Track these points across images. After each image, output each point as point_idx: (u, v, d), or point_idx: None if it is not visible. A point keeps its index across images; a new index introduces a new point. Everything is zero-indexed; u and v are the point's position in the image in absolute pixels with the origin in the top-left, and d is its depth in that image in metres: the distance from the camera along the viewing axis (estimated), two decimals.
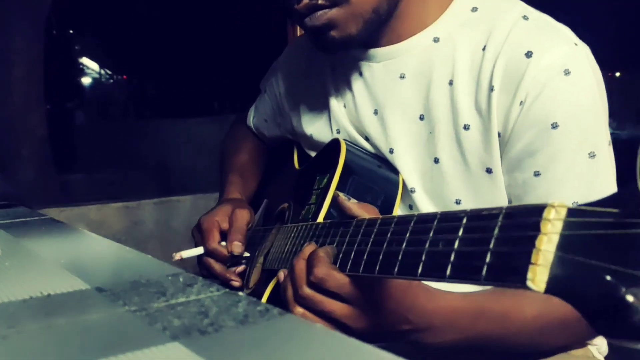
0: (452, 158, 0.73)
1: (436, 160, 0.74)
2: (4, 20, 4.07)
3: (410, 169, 0.77)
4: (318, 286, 0.55)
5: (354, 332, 0.57)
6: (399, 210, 0.79)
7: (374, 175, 0.77)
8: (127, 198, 3.58)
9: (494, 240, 0.34)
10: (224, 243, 0.87)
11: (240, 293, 0.36)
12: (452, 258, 0.38)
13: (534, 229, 0.31)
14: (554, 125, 0.66)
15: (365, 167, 0.78)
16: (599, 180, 0.68)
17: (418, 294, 0.56)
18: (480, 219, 0.37)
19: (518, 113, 0.67)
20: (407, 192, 0.77)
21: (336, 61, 0.85)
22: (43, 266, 0.47)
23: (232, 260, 0.87)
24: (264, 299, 0.75)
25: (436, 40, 0.74)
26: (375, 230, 0.50)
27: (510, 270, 0.32)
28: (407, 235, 0.44)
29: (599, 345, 0.76)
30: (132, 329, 0.31)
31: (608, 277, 0.26)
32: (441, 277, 0.38)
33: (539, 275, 0.30)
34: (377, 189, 0.76)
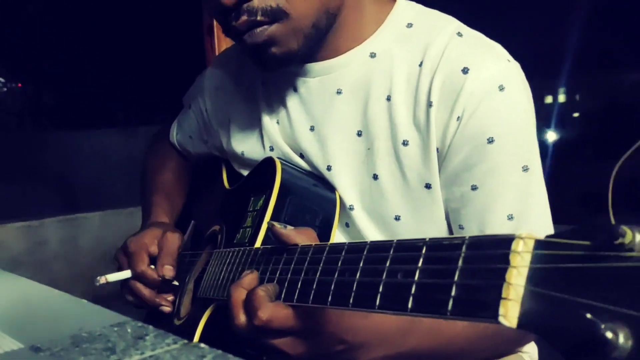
0: (391, 174, 0.73)
1: (375, 177, 0.74)
2: None
3: (348, 186, 0.76)
4: (262, 328, 0.54)
5: (292, 357, 0.56)
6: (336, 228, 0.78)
7: (312, 194, 0.76)
8: (27, 216, 3.35)
9: (459, 272, 0.34)
10: (153, 267, 0.83)
11: (203, 345, 0.33)
12: (413, 290, 0.37)
13: (503, 262, 0.31)
14: (490, 140, 0.67)
15: (302, 187, 0.76)
16: (533, 193, 0.71)
17: (353, 314, 0.57)
18: (441, 248, 0.37)
19: (456, 128, 0.68)
20: (345, 210, 0.77)
21: (268, 76, 0.83)
22: None
23: (161, 285, 0.83)
24: (199, 329, 0.71)
25: (373, 55, 0.74)
26: (323, 258, 0.49)
27: (480, 305, 0.32)
28: (361, 264, 0.44)
29: (531, 353, 0.79)
30: None
31: (586, 314, 0.27)
32: (402, 310, 0.37)
33: (511, 311, 0.30)
34: (316, 208, 0.75)
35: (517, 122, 0.69)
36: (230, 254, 0.71)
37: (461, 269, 0.34)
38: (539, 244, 0.31)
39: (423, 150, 0.71)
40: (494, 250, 0.32)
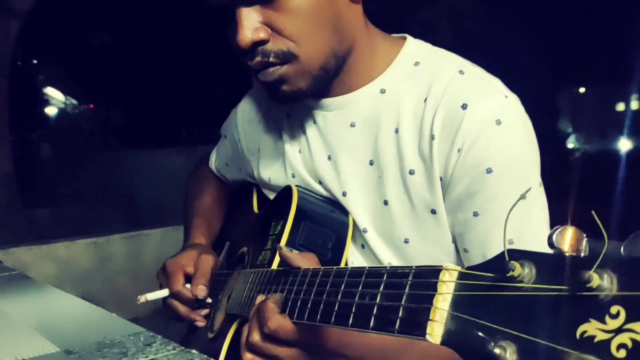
0: (400, 200, 0.80)
1: (385, 203, 0.81)
2: None
3: (361, 210, 0.83)
4: (271, 337, 0.61)
5: None
6: (351, 249, 0.85)
7: (325, 218, 0.84)
8: (95, 233, 3.57)
9: (405, 297, 0.41)
10: (188, 286, 0.92)
11: (194, 351, 0.41)
12: (374, 311, 0.44)
13: (433, 289, 0.38)
14: (489, 170, 0.73)
15: (317, 212, 0.84)
16: (531, 219, 0.75)
17: (352, 333, 0.63)
18: (397, 276, 0.43)
19: (456, 159, 0.74)
20: (360, 233, 0.84)
21: (292, 109, 0.91)
22: (14, 328, 0.52)
23: (196, 303, 0.92)
24: (226, 342, 0.80)
25: (383, 91, 0.82)
26: (317, 281, 0.57)
27: (415, 325, 0.38)
28: (342, 287, 0.51)
29: None
30: None
31: (480, 333, 0.33)
32: (366, 328, 0.44)
33: (435, 330, 0.36)
34: (329, 232, 0.82)
35: (513, 153, 0.74)
36: (252, 274, 0.79)
37: (407, 294, 0.41)
38: (461, 275, 0.37)
39: (428, 179, 0.77)
40: (429, 279, 0.39)
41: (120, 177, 6.44)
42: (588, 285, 0.29)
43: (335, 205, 0.85)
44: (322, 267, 0.59)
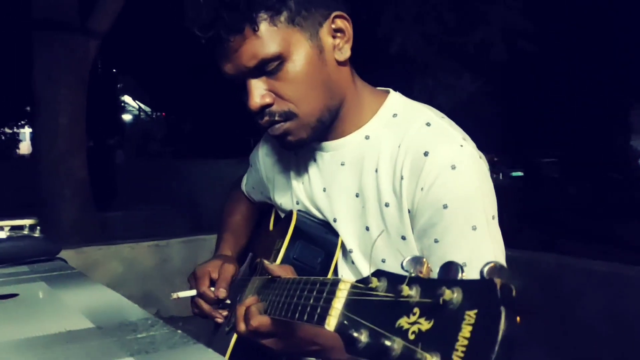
0: (378, 227, 0.97)
1: (367, 228, 0.98)
2: (51, 71, 4.47)
3: (348, 234, 1.01)
4: (254, 332, 0.81)
5: (278, 352, 0.82)
6: (342, 265, 1.03)
7: (318, 238, 1.02)
8: (158, 236, 3.87)
9: (322, 298, 0.59)
10: (212, 288, 1.12)
11: (179, 331, 0.60)
12: (299, 307, 0.62)
13: (333, 294, 0.55)
14: (445, 206, 0.89)
15: (311, 233, 1.02)
16: (480, 247, 0.91)
17: None
18: (321, 284, 0.61)
19: (420, 196, 0.91)
20: (347, 252, 1.01)
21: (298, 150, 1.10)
22: (65, 310, 0.74)
23: (218, 302, 1.11)
24: (234, 337, 0.99)
25: (367, 137, 0.99)
26: (285, 287, 0.75)
27: (320, 317, 0.56)
28: (292, 291, 0.70)
29: None
30: (109, 350, 0.57)
31: (349, 323, 0.50)
32: (292, 319, 0.63)
33: (331, 321, 0.54)
34: (320, 249, 1.00)
35: (465, 193, 0.89)
36: (258, 281, 0.98)
37: (324, 297, 0.59)
38: (352, 286, 0.55)
39: (399, 211, 0.94)
40: (334, 287, 0.56)
41: (185, 185, 6.82)
42: (402, 294, 0.46)
43: (329, 228, 1.03)
44: (288, 277, 0.77)
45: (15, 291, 0.85)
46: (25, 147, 21.13)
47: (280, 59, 0.89)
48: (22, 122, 17.86)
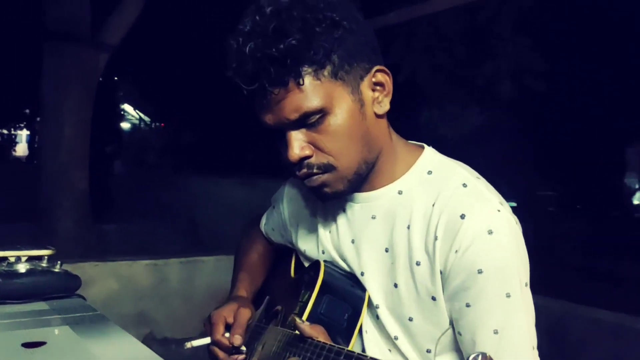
0: (407, 285, 0.95)
1: (395, 285, 0.97)
2: (59, 82, 4.45)
3: (376, 289, 1.00)
4: None
5: None
6: (367, 319, 1.01)
7: (345, 292, 1.00)
8: (155, 254, 3.83)
9: None
10: (227, 334, 1.09)
11: None
12: None
13: None
14: (480, 271, 0.88)
15: (338, 286, 1.01)
16: (513, 315, 0.90)
17: None
18: (348, 356, 0.61)
19: (454, 259, 0.90)
20: (373, 307, 1.00)
21: None
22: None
23: (234, 349, 1.09)
24: None
25: (400, 192, 0.98)
26: (317, 351, 0.74)
27: None
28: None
29: None
30: None
31: None
32: None
33: None
34: (347, 304, 0.99)
35: (501, 259, 0.88)
36: (281, 333, 0.96)
37: None
38: None
39: (431, 270, 0.92)
40: None
41: (184, 200, 6.78)
42: None
43: (355, 281, 1.02)
44: (326, 343, 0.76)
45: (41, 336, 0.83)
46: (21, 149, 21.07)
47: (322, 113, 0.89)
48: (20, 125, 17.81)
